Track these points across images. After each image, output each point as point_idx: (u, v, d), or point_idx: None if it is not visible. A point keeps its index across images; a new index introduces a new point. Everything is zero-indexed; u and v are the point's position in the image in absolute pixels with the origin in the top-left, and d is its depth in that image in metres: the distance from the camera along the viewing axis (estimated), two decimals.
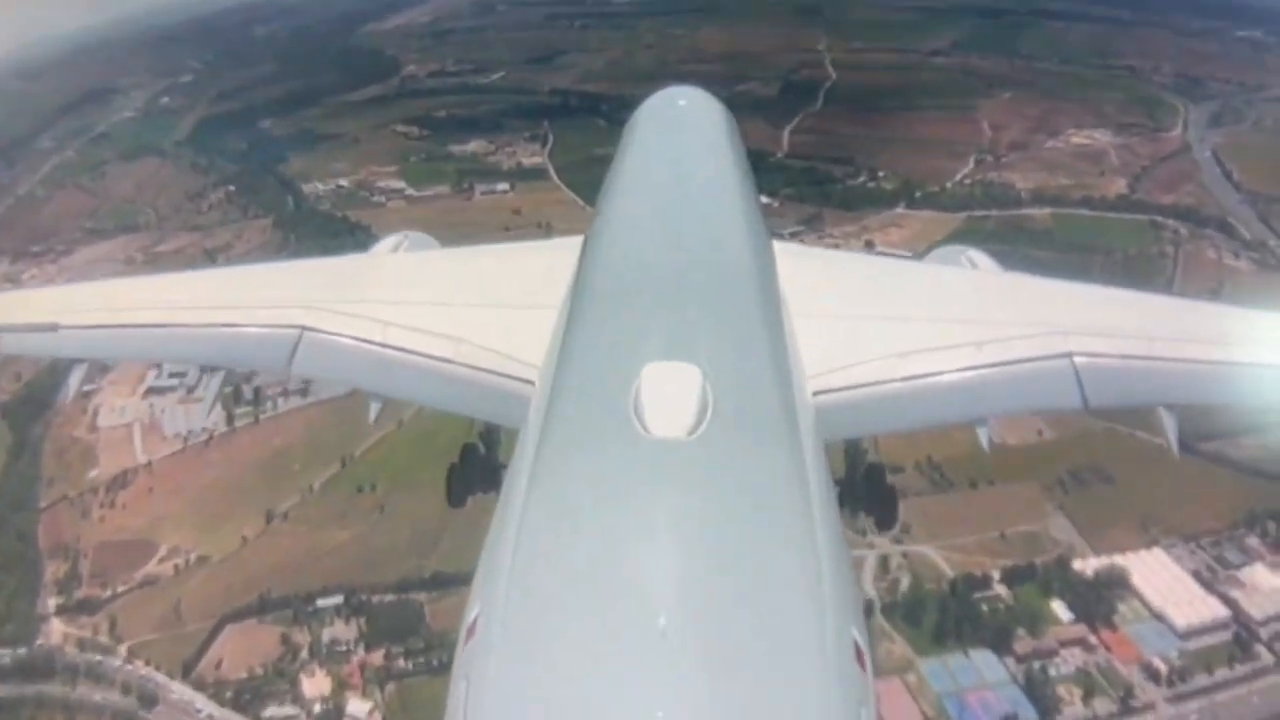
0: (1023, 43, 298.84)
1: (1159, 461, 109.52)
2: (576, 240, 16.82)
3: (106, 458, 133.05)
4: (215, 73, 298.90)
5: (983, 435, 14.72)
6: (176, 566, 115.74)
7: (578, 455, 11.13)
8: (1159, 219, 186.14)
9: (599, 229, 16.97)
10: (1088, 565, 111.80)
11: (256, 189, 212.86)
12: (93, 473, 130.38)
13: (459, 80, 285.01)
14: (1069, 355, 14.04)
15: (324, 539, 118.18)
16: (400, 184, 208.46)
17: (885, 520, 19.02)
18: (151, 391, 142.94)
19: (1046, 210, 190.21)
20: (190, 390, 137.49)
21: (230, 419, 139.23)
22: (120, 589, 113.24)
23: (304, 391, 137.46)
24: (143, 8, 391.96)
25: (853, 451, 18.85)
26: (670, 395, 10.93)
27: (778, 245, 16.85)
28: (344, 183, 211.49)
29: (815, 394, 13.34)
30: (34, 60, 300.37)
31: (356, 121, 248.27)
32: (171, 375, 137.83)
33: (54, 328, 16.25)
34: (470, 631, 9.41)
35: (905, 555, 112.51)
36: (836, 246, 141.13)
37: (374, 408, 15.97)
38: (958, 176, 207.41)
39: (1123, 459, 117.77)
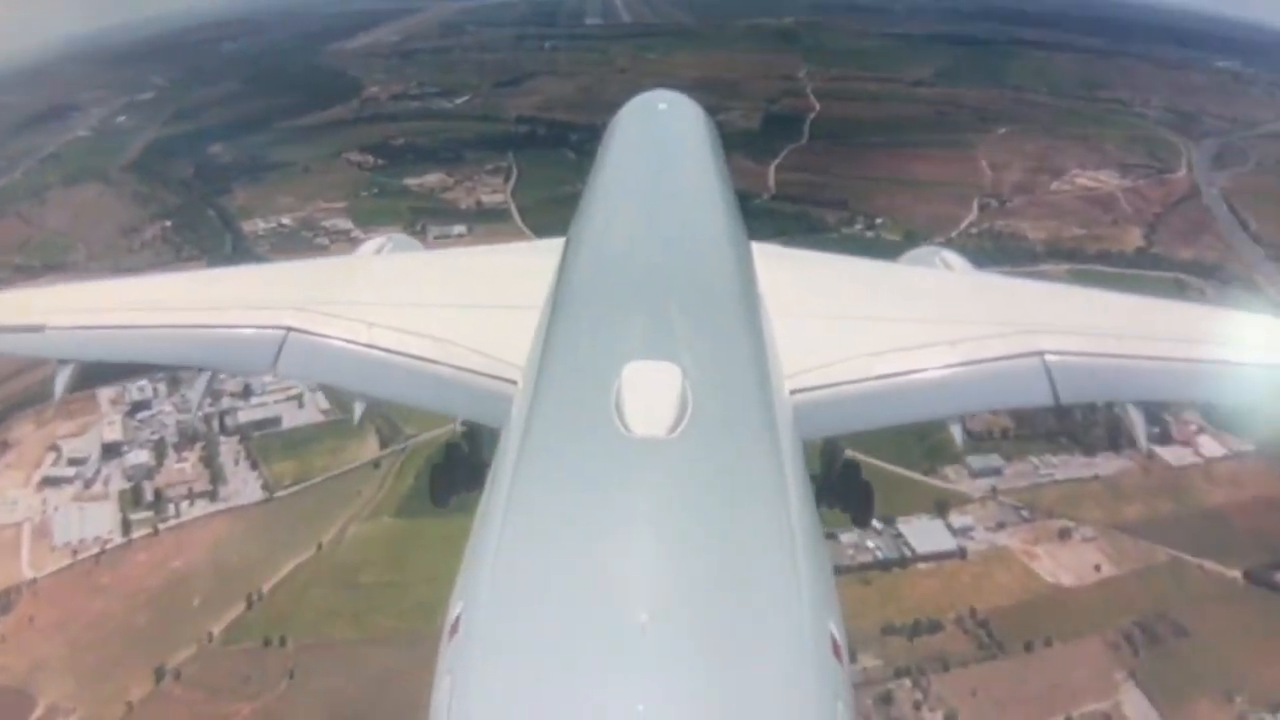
0: (1007, 73, 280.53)
1: (1232, 599, 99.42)
2: (558, 241, 16.89)
3: None
4: (177, 91, 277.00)
5: (956, 433, 14.71)
6: None
7: (560, 453, 10.86)
8: (1182, 277, 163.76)
9: (580, 229, 17.03)
10: None
11: (195, 224, 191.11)
12: None
13: (421, 105, 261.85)
14: (1040, 353, 14.04)
15: (222, 712, 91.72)
16: (347, 224, 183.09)
17: (860, 517, 18.63)
18: (47, 483, 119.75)
19: (1064, 266, 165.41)
20: (88, 484, 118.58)
21: (126, 526, 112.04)
22: None
23: (211, 495, 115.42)
24: (118, 21, 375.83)
25: (829, 449, 18.34)
26: (651, 394, 10.70)
27: (756, 246, 16.97)
28: (287, 220, 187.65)
29: (793, 392, 13.17)
30: (4, 72, 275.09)
31: (310, 148, 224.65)
32: (70, 463, 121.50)
33: (40, 328, 15.77)
34: (454, 628, 9.16)
35: None
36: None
37: (358, 408, 15.61)
38: (963, 224, 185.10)
39: (1193, 599, 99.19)
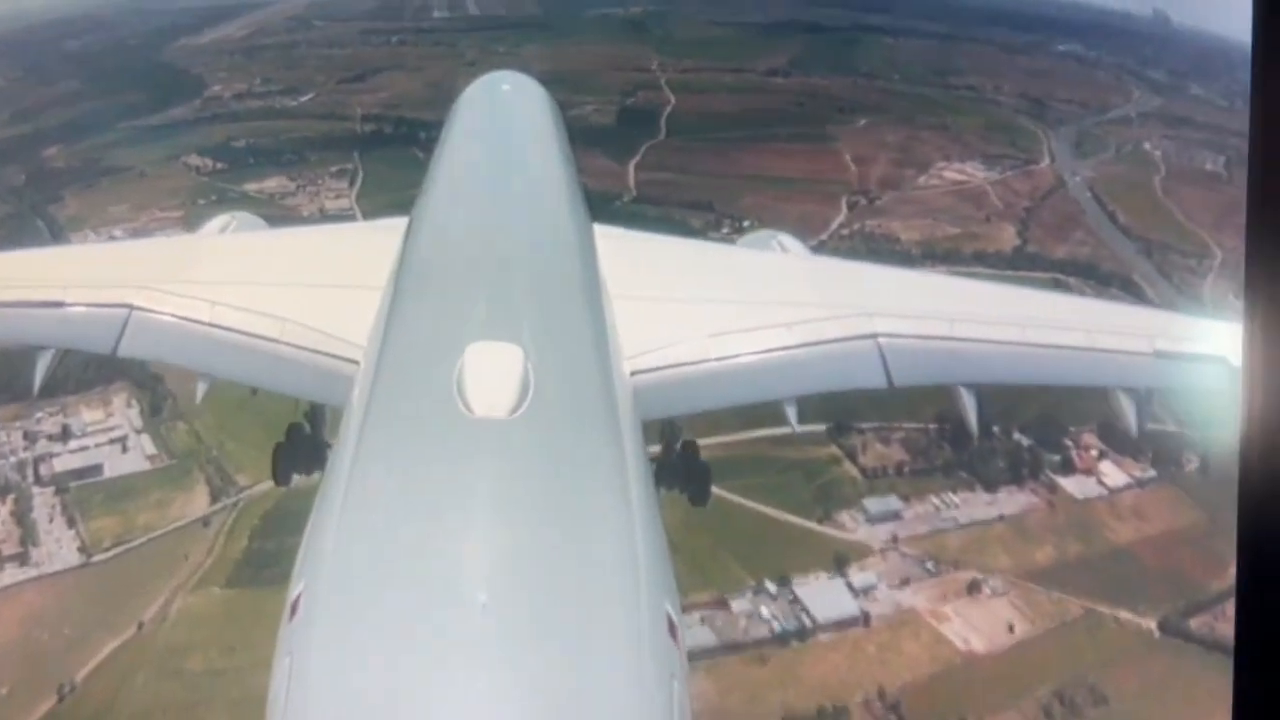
0: (858, 61, 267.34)
1: (1149, 653, 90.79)
2: (401, 221, 18.44)
3: None
4: (14, 91, 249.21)
5: (790, 413, 15.81)
6: None
7: (401, 434, 11.72)
8: (1061, 277, 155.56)
9: (423, 210, 18.72)
10: None
11: (20, 236, 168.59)
12: None
13: (264, 104, 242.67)
14: (874, 336, 15.53)
15: None
16: (183, 235, 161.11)
17: (698, 496, 19.05)
18: None
19: (942, 270, 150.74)
20: None
21: None
22: None
23: (21, 558, 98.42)
24: None
25: (668, 429, 19.28)
26: (492, 375, 11.54)
27: (597, 228, 18.11)
28: (118, 232, 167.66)
29: (633, 373, 14.30)
30: None
31: (148, 151, 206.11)
32: None
33: None
34: (294, 609, 9.38)
35: None
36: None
37: (201, 387, 16.97)
38: (833, 225, 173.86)
39: (1110, 658, 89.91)
